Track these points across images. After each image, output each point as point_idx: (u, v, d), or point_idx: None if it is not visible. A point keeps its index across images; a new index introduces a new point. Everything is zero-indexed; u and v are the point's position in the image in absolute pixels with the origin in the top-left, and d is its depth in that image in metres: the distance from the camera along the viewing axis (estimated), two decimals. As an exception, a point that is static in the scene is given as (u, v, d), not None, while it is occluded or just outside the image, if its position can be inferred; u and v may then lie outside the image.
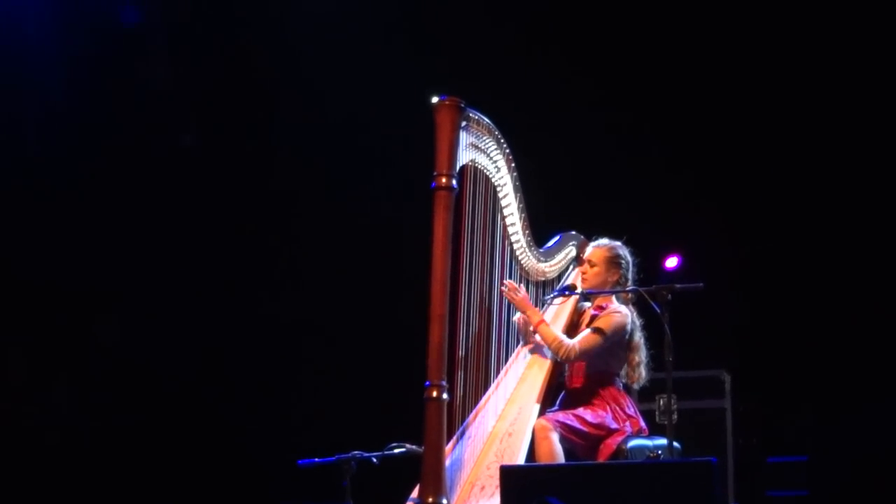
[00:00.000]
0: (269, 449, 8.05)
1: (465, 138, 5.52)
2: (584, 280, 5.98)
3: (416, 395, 5.32)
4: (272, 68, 8.50)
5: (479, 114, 5.60)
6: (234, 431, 8.38)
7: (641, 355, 5.88)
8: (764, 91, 8.02)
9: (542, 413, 5.68)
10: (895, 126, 7.80)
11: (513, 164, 5.80)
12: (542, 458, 5.50)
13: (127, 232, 8.45)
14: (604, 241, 6.01)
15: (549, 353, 5.87)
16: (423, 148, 5.51)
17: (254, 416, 8.38)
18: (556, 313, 6.01)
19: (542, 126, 7.92)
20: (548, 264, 6.03)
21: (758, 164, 8.04)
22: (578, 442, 5.65)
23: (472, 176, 5.63)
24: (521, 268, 5.91)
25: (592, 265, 5.94)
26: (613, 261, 5.94)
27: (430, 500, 5.19)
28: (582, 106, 8.12)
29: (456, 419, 5.51)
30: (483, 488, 5.35)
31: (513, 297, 5.80)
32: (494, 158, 5.74)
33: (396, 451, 5.43)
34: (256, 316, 8.51)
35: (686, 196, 8.05)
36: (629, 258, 5.98)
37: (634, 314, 5.88)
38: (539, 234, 5.97)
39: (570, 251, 6.15)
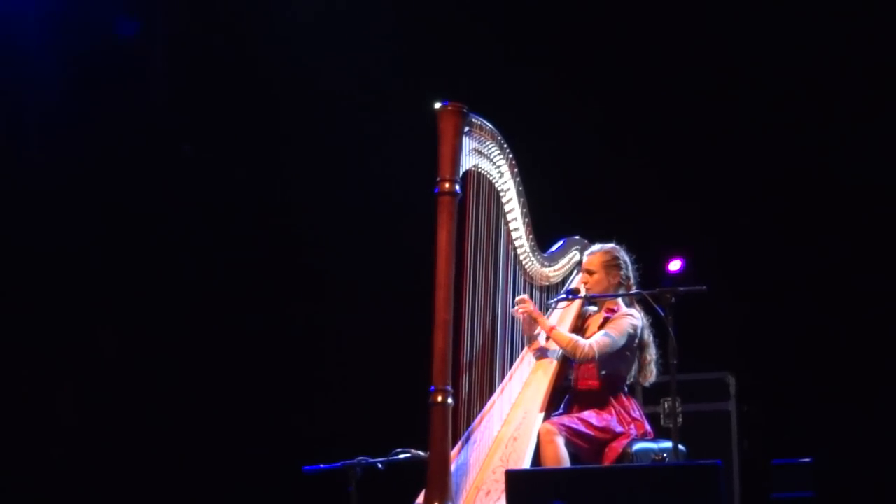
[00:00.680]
0: (274, 455, 8.06)
1: (468, 143, 5.52)
2: (588, 289, 5.98)
3: (420, 400, 5.32)
4: (273, 75, 8.50)
5: (481, 119, 5.60)
6: (240, 438, 8.38)
7: (652, 353, 5.89)
8: (768, 92, 8.01)
9: (547, 417, 5.68)
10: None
11: (516, 169, 5.81)
12: (548, 462, 5.51)
13: (129, 238, 8.46)
14: (597, 246, 6.02)
15: (553, 358, 5.87)
16: (427, 153, 5.52)
17: (258, 422, 8.38)
18: (561, 317, 6.01)
19: (544, 130, 7.92)
20: (552, 269, 6.04)
21: (761, 166, 8.04)
22: (584, 446, 5.65)
23: (476, 181, 5.63)
24: (525, 272, 5.92)
25: (592, 273, 5.95)
26: (611, 263, 5.95)
27: (436, 504, 5.20)
28: (585, 110, 8.11)
29: (461, 424, 5.51)
30: (489, 493, 5.35)
31: (526, 311, 5.81)
32: (497, 163, 5.75)
33: (401, 456, 5.43)
34: (262, 323, 8.51)
35: (689, 198, 8.05)
36: (626, 257, 5.99)
37: (642, 314, 5.89)
38: (542, 238, 5.98)
39: (574, 255, 6.15)
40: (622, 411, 5.79)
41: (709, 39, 8.01)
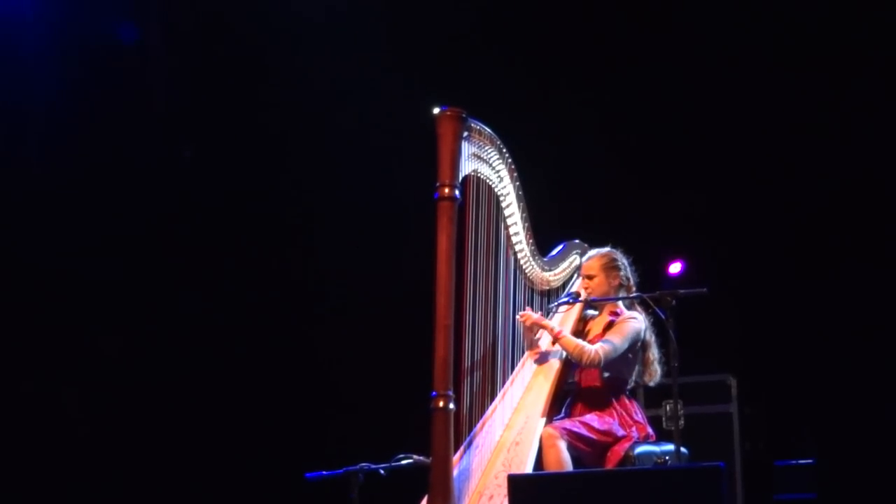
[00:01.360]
0: (276, 462, 8.06)
1: (467, 148, 5.53)
2: (589, 293, 5.99)
3: (422, 405, 5.32)
4: (271, 81, 8.51)
5: (480, 124, 5.61)
6: (242, 445, 8.38)
7: (654, 352, 5.90)
8: (769, 93, 8.02)
9: (549, 421, 5.68)
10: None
11: (515, 174, 5.81)
12: (550, 467, 5.51)
13: (130, 240, 8.47)
14: (593, 252, 6.04)
15: (554, 362, 5.88)
16: (426, 158, 5.52)
17: (261, 429, 8.38)
18: (562, 321, 6.01)
19: (543, 135, 7.93)
20: (552, 273, 6.05)
21: (762, 168, 8.04)
22: (586, 449, 5.65)
23: (475, 186, 5.64)
24: (526, 277, 5.92)
25: (591, 277, 5.97)
26: (610, 265, 5.96)
27: (439, 510, 5.20)
28: (584, 113, 8.12)
29: (463, 429, 5.51)
30: (491, 497, 5.35)
31: (532, 321, 5.82)
32: (497, 168, 5.75)
33: (404, 462, 5.44)
34: (263, 328, 8.52)
35: (689, 201, 8.05)
36: (624, 259, 6.00)
37: (644, 316, 5.89)
38: (543, 243, 5.98)
39: (574, 259, 6.16)
40: (624, 414, 5.79)
41: (708, 42, 8.02)
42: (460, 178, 5.46)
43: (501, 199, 5.79)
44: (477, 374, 5.60)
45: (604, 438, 5.69)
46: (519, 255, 5.85)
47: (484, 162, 5.69)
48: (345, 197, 8.41)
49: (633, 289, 5.94)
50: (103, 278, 8.41)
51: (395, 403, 7.65)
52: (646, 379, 5.94)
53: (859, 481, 7.43)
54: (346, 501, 5.36)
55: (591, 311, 6.12)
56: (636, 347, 5.87)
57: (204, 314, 8.49)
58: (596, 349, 5.75)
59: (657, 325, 5.75)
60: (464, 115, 5.48)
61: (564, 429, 5.62)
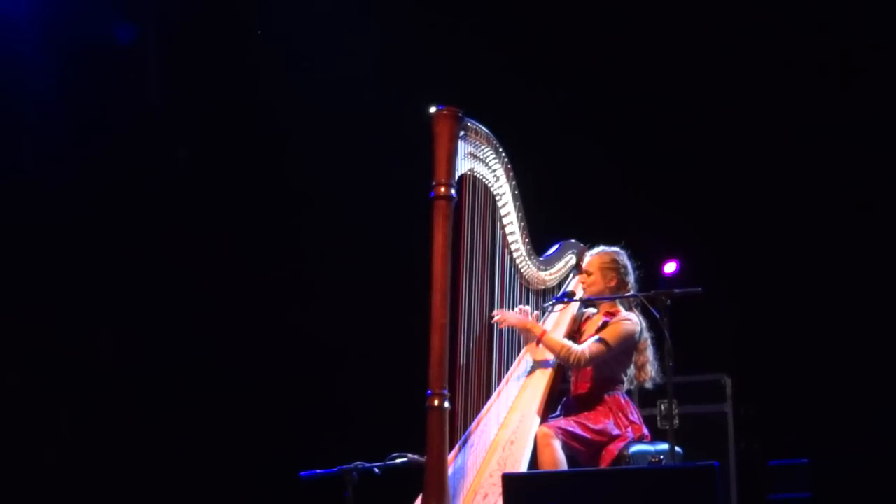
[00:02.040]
0: (270, 461, 8.06)
1: (463, 148, 5.53)
2: (585, 290, 6.00)
3: (417, 404, 5.33)
4: (269, 81, 8.50)
5: (477, 123, 5.61)
6: (237, 443, 8.38)
7: (649, 354, 5.90)
8: (763, 93, 8.03)
9: (544, 420, 5.69)
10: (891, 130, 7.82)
11: (511, 173, 5.82)
12: (545, 466, 5.51)
13: (126, 244, 8.47)
14: (599, 248, 6.03)
15: (550, 361, 5.88)
16: (423, 157, 5.52)
17: (255, 428, 8.38)
18: (557, 321, 6.02)
19: (540, 134, 7.93)
20: (548, 272, 6.05)
21: (757, 168, 8.05)
22: (580, 448, 5.66)
23: (472, 185, 5.64)
24: (521, 276, 5.92)
25: (590, 274, 5.98)
26: (609, 267, 5.96)
27: (433, 508, 5.20)
28: (580, 113, 8.13)
29: (458, 428, 5.52)
30: (486, 496, 5.36)
31: (508, 322, 5.81)
32: (493, 167, 5.75)
33: (398, 461, 5.43)
34: (257, 327, 8.51)
35: (684, 200, 8.06)
36: (627, 263, 5.99)
37: (641, 318, 5.90)
38: (538, 242, 5.99)
39: (570, 259, 6.17)
40: (619, 414, 5.79)
41: (702, 42, 8.03)
42: (456, 178, 5.46)
43: (497, 198, 5.79)
44: (472, 373, 5.60)
45: (598, 438, 5.69)
46: (515, 255, 5.85)
47: (480, 161, 5.69)
48: (341, 195, 8.41)
49: (631, 291, 5.94)
50: (96, 277, 8.41)
51: (390, 402, 7.66)
52: (639, 381, 5.94)
53: (854, 481, 7.44)
54: (340, 500, 5.36)
55: (589, 310, 6.12)
56: (630, 348, 5.87)
57: (197, 311, 8.48)
58: (582, 349, 5.75)
59: (652, 324, 5.76)
60: (460, 115, 5.49)
61: (559, 428, 5.63)
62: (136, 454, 8.36)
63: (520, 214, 5.85)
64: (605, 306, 5.98)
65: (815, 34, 7.84)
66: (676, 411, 5.54)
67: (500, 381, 5.79)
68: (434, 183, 5.41)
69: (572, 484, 4.80)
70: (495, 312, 5.77)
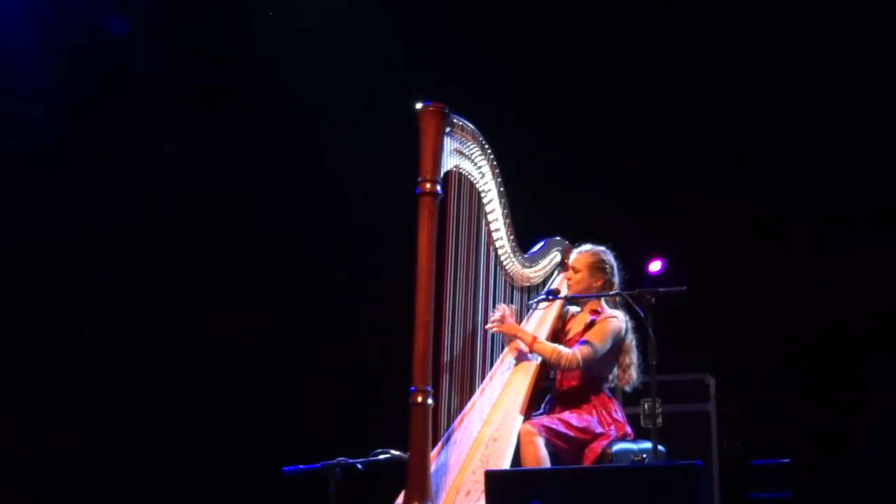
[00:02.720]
0: (253, 456, 8.05)
1: (449, 144, 5.53)
2: (569, 287, 6.01)
3: (400, 400, 5.32)
4: (253, 74, 8.49)
5: (463, 120, 5.61)
6: (219, 439, 8.37)
7: (633, 357, 5.90)
8: (745, 91, 8.04)
9: (527, 417, 5.69)
10: (880, 130, 7.84)
11: (497, 170, 5.82)
12: (528, 463, 5.52)
13: (114, 233, 8.44)
14: (587, 246, 6.03)
15: (534, 358, 5.88)
16: (408, 153, 5.52)
17: (238, 423, 8.37)
18: (542, 318, 6.03)
19: (525, 132, 7.93)
20: (532, 270, 6.05)
21: (742, 167, 8.06)
22: (563, 446, 5.66)
23: (457, 182, 5.64)
24: (506, 273, 5.92)
25: (576, 271, 5.98)
26: (596, 266, 5.96)
27: (415, 505, 5.20)
28: (565, 111, 8.13)
29: (441, 425, 5.52)
30: (468, 493, 5.35)
31: (500, 328, 5.82)
32: (479, 164, 5.75)
33: (381, 457, 5.42)
34: (243, 322, 8.50)
35: (669, 199, 8.07)
36: (614, 263, 6.00)
37: (625, 315, 5.90)
38: (523, 239, 5.99)
39: (555, 257, 6.17)
40: (603, 412, 5.80)
41: (686, 35, 8.04)
42: (442, 174, 5.46)
43: (483, 195, 5.79)
44: (456, 370, 5.60)
45: (581, 436, 5.70)
46: (499, 252, 5.85)
47: (466, 158, 5.69)
48: (327, 191, 8.39)
49: (616, 289, 5.93)
50: (85, 272, 8.38)
51: (373, 398, 7.65)
52: (621, 384, 5.94)
53: (835, 481, 7.46)
54: (323, 496, 5.36)
55: (572, 308, 6.12)
56: (616, 347, 5.87)
57: (183, 305, 8.47)
58: (573, 352, 5.75)
59: (636, 323, 5.76)
60: (446, 111, 5.48)
61: (542, 425, 5.63)
62: (117, 449, 8.33)
63: (505, 211, 5.85)
64: (590, 304, 5.98)
65: (797, 37, 7.87)
66: (660, 410, 5.55)
67: (483, 378, 5.79)
68: (419, 179, 5.40)
69: (555, 482, 4.80)
70: (493, 320, 5.77)
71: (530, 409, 5.76)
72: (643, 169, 8.06)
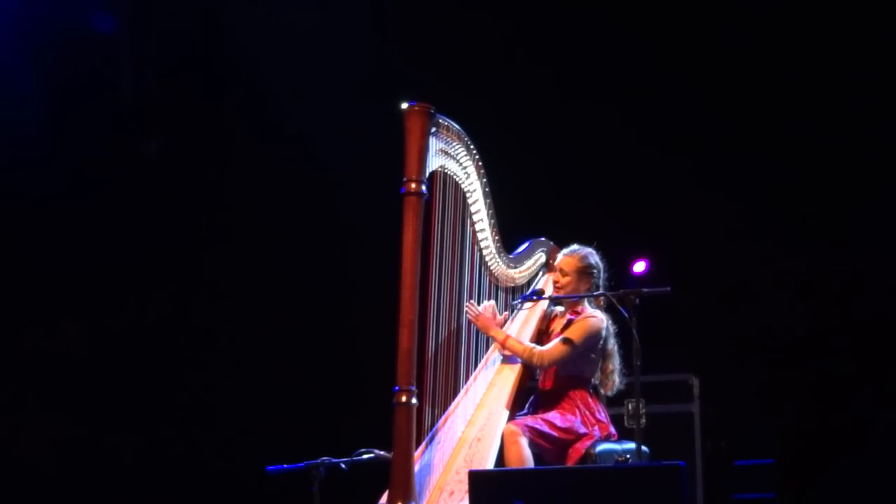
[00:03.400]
0: (237, 456, 8.04)
1: (434, 144, 5.53)
2: (556, 289, 6.00)
3: (384, 400, 5.32)
4: (236, 73, 8.48)
5: (448, 120, 5.61)
6: (202, 438, 8.36)
7: (615, 363, 5.91)
8: (729, 90, 8.06)
9: (511, 417, 5.70)
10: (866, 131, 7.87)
11: (482, 171, 5.82)
12: (511, 463, 5.52)
13: (103, 233, 8.43)
14: (574, 248, 6.02)
15: (517, 359, 5.88)
16: (393, 154, 5.51)
17: (221, 422, 8.36)
18: (526, 318, 6.03)
19: (510, 132, 7.93)
20: (517, 270, 6.06)
21: (726, 166, 8.08)
22: (547, 446, 5.67)
23: (442, 182, 5.64)
24: (491, 273, 5.93)
25: (564, 274, 5.97)
26: (585, 271, 5.95)
27: (399, 505, 5.20)
28: (549, 112, 8.14)
29: (425, 425, 5.52)
30: (452, 493, 5.36)
31: (474, 320, 5.82)
32: (464, 164, 5.76)
33: (365, 456, 5.43)
34: (226, 320, 8.49)
35: (653, 200, 8.08)
36: (601, 265, 6.00)
37: (609, 320, 5.90)
38: (508, 240, 6.00)
39: (540, 257, 6.18)
40: (586, 412, 5.81)
41: (671, 37, 8.05)
42: (427, 174, 5.46)
43: (468, 195, 5.80)
44: (440, 370, 5.60)
45: (565, 436, 5.70)
46: (484, 252, 5.86)
47: (451, 158, 5.69)
48: (312, 190, 8.39)
49: (600, 290, 5.93)
50: (69, 270, 8.36)
51: (357, 397, 7.65)
52: (603, 389, 5.95)
53: (818, 482, 7.49)
54: (307, 495, 5.35)
55: (557, 308, 6.13)
56: (597, 346, 5.87)
57: (168, 303, 8.45)
58: (545, 350, 5.76)
59: (620, 323, 5.77)
60: (432, 111, 5.48)
61: (526, 426, 5.64)
62: (100, 448, 8.31)
63: (490, 212, 5.85)
64: (572, 305, 5.99)
65: (787, 39, 7.89)
66: (643, 410, 5.55)
67: (468, 378, 5.80)
68: (405, 179, 5.39)
69: (538, 482, 4.80)
70: (468, 303, 5.76)
71: (514, 410, 5.76)
72: (627, 169, 8.07)
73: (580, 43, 8.18)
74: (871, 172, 7.83)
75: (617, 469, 5.10)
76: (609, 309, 5.87)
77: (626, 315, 5.38)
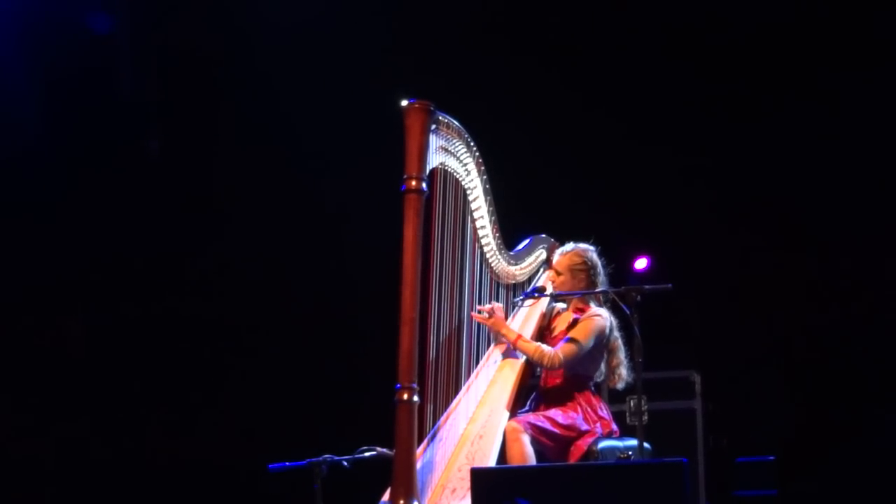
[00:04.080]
0: (239, 453, 8.04)
1: (434, 141, 5.52)
2: (554, 288, 5.99)
3: (386, 398, 5.32)
4: (237, 70, 8.48)
5: (448, 117, 5.60)
6: (205, 435, 8.36)
7: (621, 356, 5.91)
8: (729, 89, 8.06)
9: (513, 415, 5.69)
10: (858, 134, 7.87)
11: (482, 168, 5.82)
12: (513, 460, 5.52)
13: (99, 232, 8.43)
14: (569, 246, 6.02)
15: (519, 356, 5.88)
16: (393, 151, 5.51)
17: (224, 420, 8.36)
18: (527, 316, 6.03)
19: (511, 129, 7.93)
20: (518, 267, 6.05)
21: (727, 165, 8.08)
22: (549, 444, 5.66)
23: (443, 179, 5.63)
24: (492, 270, 5.93)
25: (559, 273, 5.97)
26: (577, 267, 5.94)
27: (401, 502, 5.18)
28: (551, 109, 8.13)
29: (427, 422, 5.51)
30: (454, 490, 5.35)
31: (485, 322, 5.83)
32: (464, 162, 5.75)
33: (367, 454, 5.42)
34: (227, 317, 8.49)
35: (655, 197, 8.08)
36: (596, 260, 5.98)
37: (612, 315, 5.90)
38: (509, 237, 5.99)
39: (541, 254, 6.18)
40: (588, 409, 5.80)
41: (670, 33, 8.05)
42: (427, 171, 5.45)
43: (468, 192, 5.79)
44: (442, 367, 5.60)
45: (567, 433, 5.70)
46: (485, 249, 5.85)
47: (451, 155, 5.68)
48: (313, 189, 8.39)
49: (601, 287, 5.93)
50: (67, 269, 8.36)
51: (359, 395, 7.64)
52: (610, 384, 5.95)
53: (819, 479, 7.48)
54: (309, 493, 5.35)
55: (559, 305, 6.12)
56: (601, 344, 5.87)
57: (167, 301, 8.45)
58: (556, 351, 5.76)
59: (622, 320, 5.76)
60: (432, 108, 5.47)
61: (528, 423, 5.63)
62: (101, 445, 8.32)
63: (490, 209, 5.85)
64: (575, 302, 5.98)
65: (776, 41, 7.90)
66: (645, 407, 5.54)
67: (469, 375, 5.79)
68: (405, 176, 5.38)
69: (540, 479, 4.80)
70: (483, 309, 5.78)
71: (516, 407, 5.76)
72: (629, 166, 8.07)
73: (580, 39, 8.17)
74: (875, 171, 7.82)
75: (619, 466, 5.10)
76: (611, 305, 5.87)
77: (629, 312, 5.38)
